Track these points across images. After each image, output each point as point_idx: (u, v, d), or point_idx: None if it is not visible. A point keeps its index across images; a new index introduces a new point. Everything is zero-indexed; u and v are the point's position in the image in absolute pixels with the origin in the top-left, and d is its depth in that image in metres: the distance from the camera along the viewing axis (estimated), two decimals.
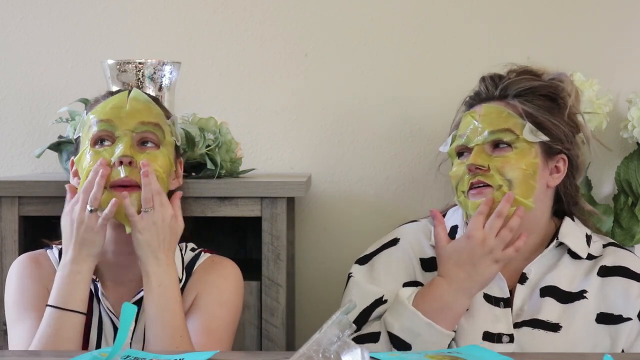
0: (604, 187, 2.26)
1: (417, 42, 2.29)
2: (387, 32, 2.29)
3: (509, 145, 1.72)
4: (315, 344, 1.19)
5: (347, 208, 2.30)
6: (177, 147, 1.75)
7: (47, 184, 1.92)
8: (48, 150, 2.04)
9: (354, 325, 1.23)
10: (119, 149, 1.64)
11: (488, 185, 1.71)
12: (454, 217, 1.84)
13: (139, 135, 1.67)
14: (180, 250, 1.75)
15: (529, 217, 1.73)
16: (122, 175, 1.62)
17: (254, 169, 2.18)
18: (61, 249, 1.71)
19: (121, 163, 1.63)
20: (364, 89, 2.29)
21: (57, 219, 1.69)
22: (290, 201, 2.05)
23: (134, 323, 1.66)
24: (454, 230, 1.82)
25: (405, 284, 1.78)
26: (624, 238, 2.14)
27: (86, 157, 1.66)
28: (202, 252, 1.78)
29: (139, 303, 1.67)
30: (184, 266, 1.73)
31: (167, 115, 1.74)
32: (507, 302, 1.74)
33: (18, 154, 2.32)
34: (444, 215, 1.84)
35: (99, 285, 1.69)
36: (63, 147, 2.03)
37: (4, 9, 2.31)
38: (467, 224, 1.75)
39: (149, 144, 1.68)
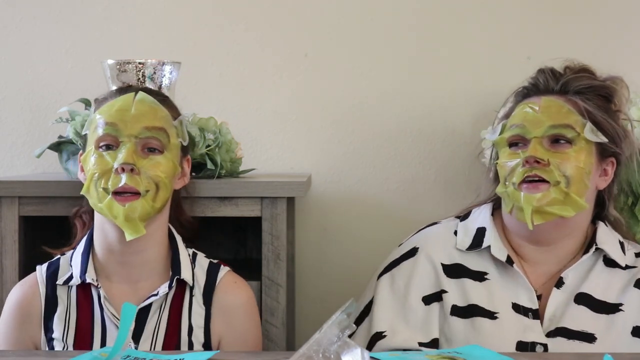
0: None
1: (417, 42, 2.29)
2: (387, 32, 2.29)
3: (569, 142, 1.68)
4: (315, 344, 1.19)
5: (347, 208, 2.30)
6: (184, 147, 1.75)
7: (47, 184, 1.92)
8: (48, 150, 2.04)
9: (354, 326, 1.22)
10: (121, 155, 1.64)
11: (544, 181, 1.66)
12: (480, 218, 1.78)
13: (143, 140, 1.66)
14: (189, 255, 1.75)
15: (576, 219, 1.69)
16: (123, 182, 1.62)
17: (254, 169, 2.18)
18: (56, 260, 1.72)
19: (123, 170, 1.63)
20: (364, 89, 2.29)
21: (58, 219, 1.69)
22: (290, 201, 2.05)
23: (133, 323, 1.66)
24: (481, 232, 1.75)
25: (426, 297, 1.73)
26: None
27: (91, 159, 1.67)
28: (221, 265, 1.77)
29: (147, 308, 1.67)
30: (206, 270, 1.74)
31: (175, 115, 1.73)
32: (536, 314, 1.69)
33: (18, 154, 2.32)
34: (466, 216, 1.80)
35: (101, 291, 1.68)
36: (63, 147, 2.03)
37: (4, 9, 2.31)
38: (508, 215, 1.70)
39: (153, 150, 1.67)
